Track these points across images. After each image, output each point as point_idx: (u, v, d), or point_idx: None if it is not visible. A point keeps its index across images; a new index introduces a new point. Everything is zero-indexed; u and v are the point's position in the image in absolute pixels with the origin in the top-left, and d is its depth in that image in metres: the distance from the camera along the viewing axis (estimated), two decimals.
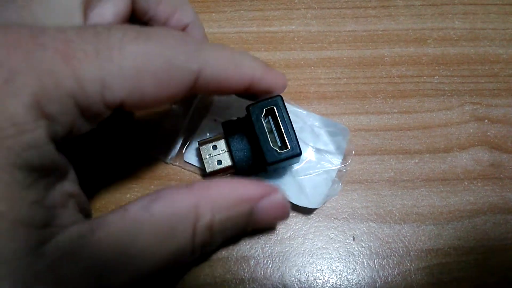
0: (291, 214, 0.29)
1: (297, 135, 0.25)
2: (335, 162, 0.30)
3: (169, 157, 0.30)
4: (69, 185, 0.19)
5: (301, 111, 0.31)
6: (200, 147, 0.28)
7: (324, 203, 0.29)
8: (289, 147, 0.25)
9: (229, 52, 0.22)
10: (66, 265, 0.16)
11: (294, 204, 0.28)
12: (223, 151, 0.28)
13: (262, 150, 0.25)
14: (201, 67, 0.20)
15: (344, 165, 0.30)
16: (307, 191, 0.29)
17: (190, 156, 0.30)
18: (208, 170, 0.28)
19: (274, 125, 0.26)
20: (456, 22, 0.37)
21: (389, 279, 0.28)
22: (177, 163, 0.30)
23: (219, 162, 0.28)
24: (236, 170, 0.27)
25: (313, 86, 0.34)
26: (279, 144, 0.25)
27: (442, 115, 0.33)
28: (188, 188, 0.20)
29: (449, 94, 0.34)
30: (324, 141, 0.31)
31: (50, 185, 0.18)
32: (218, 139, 0.28)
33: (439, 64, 0.35)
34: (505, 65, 0.35)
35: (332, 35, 0.36)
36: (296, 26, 0.36)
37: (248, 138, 0.27)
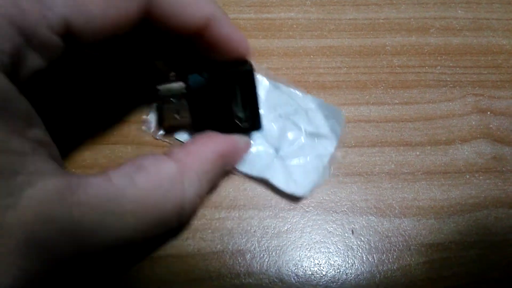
0: (288, 207, 0.28)
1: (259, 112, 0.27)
2: (329, 146, 0.30)
3: (159, 133, 0.30)
4: (38, 133, 0.18)
5: (298, 93, 0.31)
6: (160, 94, 0.27)
7: (311, 192, 0.28)
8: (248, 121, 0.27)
9: None
10: (40, 223, 0.15)
11: (281, 191, 0.28)
12: (184, 106, 0.27)
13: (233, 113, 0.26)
14: None
15: (338, 150, 0.30)
16: (296, 177, 0.28)
17: (182, 134, 0.29)
18: (166, 123, 0.28)
19: (241, 95, 0.26)
20: (459, 11, 0.36)
21: (389, 274, 0.27)
22: (166, 140, 0.29)
23: (178, 115, 0.27)
24: (195, 127, 0.27)
25: (312, 76, 0.33)
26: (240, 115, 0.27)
27: (444, 106, 0.32)
28: (169, 157, 0.21)
29: (451, 85, 0.33)
30: (318, 125, 0.30)
31: (15, 129, 0.16)
32: (180, 92, 0.27)
33: (441, 54, 0.34)
34: (509, 56, 0.35)
35: (332, 23, 0.35)
36: (295, 13, 0.35)
37: (212, 98, 0.26)
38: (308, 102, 0.31)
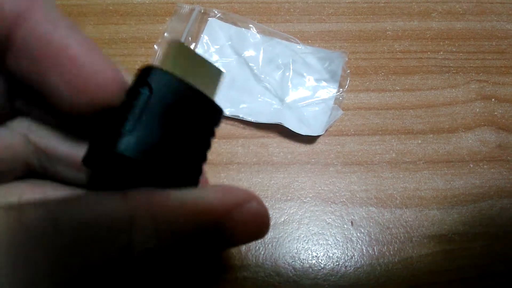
0: (285, 198, 0.27)
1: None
2: (331, 90, 0.30)
3: None
4: None
5: (293, 43, 0.31)
6: None
7: (327, 129, 0.29)
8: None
9: None
10: None
11: (297, 134, 0.28)
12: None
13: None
14: None
15: (341, 92, 0.30)
16: (306, 121, 0.29)
17: None
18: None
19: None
20: None
21: (390, 267, 0.26)
22: None
23: None
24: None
25: None
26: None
27: (447, 93, 0.31)
28: (121, 193, 0.14)
29: (454, 71, 0.32)
30: (318, 70, 0.31)
31: None
32: None
33: (444, 39, 0.33)
34: None
35: (331, 6, 0.34)
36: None
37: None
38: (304, 50, 0.31)
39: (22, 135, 0.17)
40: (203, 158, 0.15)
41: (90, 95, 0.14)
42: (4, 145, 0.17)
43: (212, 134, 0.15)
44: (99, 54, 0.14)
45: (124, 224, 0.13)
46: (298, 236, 0.27)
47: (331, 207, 0.27)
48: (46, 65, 0.14)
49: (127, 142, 0.13)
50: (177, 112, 0.14)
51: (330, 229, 0.27)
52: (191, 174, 0.15)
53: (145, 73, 0.14)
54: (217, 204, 0.14)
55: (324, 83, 0.30)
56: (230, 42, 0.31)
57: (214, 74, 0.16)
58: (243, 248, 0.26)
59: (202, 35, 0.31)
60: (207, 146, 0.15)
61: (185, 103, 0.14)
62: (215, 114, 0.15)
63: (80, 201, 0.13)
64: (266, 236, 0.26)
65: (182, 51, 0.15)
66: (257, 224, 0.15)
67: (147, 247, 0.13)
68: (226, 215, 0.14)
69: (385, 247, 0.26)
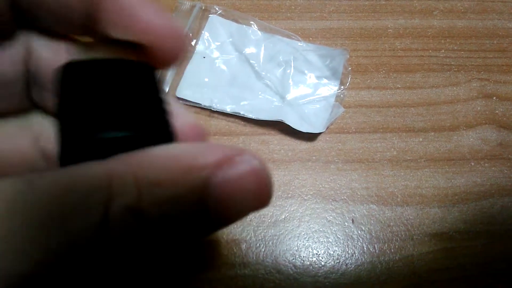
0: (286, 195, 0.27)
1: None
2: (332, 88, 0.30)
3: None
4: None
5: (295, 40, 0.31)
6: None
7: (328, 127, 0.29)
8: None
9: None
10: None
11: (298, 131, 0.28)
12: None
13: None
14: None
15: (342, 89, 0.30)
16: (308, 118, 0.29)
17: (185, 91, 0.29)
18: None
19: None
20: None
21: (390, 265, 0.26)
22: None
23: None
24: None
25: None
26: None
27: (448, 91, 0.31)
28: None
29: (456, 69, 0.32)
30: (319, 68, 0.30)
31: None
32: None
33: (445, 38, 0.33)
34: None
35: (332, 4, 0.34)
36: None
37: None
38: (305, 47, 0.31)
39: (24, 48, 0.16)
40: (163, 112, 0.14)
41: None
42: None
43: (155, 87, 0.14)
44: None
45: (102, 188, 0.12)
46: (299, 234, 0.26)
47: (332, 205, 0.27)
48: None
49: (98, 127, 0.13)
50: (109, 83, 0.14)
51: (331, 227, 0.27)
52: (160, 129, 0.14)
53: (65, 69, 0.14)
54: (203, 158, 0.12)
55: (325, 81, 0.30)
56: (231, 39, 0.31)
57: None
58: (244, 245, 0.26)
59: (203, 32, 0.31)
60: (159, 100, 0.14)
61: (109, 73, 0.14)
62: (145, 69, 0.15)
63: (57, 168, 0.12)
64: (267, 234, 0.26)
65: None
66: (254, 182, 0.12)
67: (131, 213, 0.12)
68: (216, 171, 0.12)
69: (386, 245, 0.26)
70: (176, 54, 0.15)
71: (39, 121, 0.17)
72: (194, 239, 0.14)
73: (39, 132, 0.17)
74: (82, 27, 0.16)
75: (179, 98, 0.29)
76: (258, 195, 0.13)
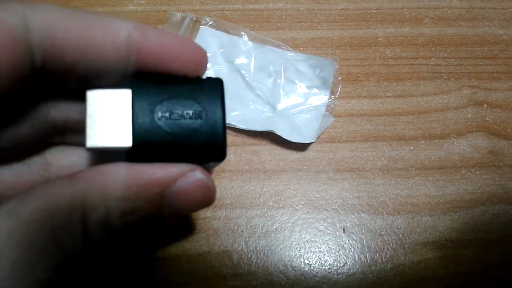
0: (277, 205, 0.27)
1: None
2: (323, 97, 0.30)
3: None
4: None
5: (285, 51, 0.31)
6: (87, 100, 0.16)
7: (318, 136, 0.29)
8: None
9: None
10: None
11: (289, 141, 0.28)
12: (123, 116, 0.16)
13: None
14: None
15: (332, 99, 0.30)
16: (298, 128, 0.29)
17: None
18: (88, 144, 0.16)
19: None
20: (454, 0, 0.35)
21: (382, 274, 0.26)
22: None
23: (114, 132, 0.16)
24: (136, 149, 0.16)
25: None
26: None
27: (439, 99, 0.31)
28: (70, 177, 0.15)
29: (446, 77, 0.32)
30: (310, 77, 0.31)
31: None
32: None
33: (436, 45, 0.33)
34: (505, 46, 0.33)
35: (323, 13, 0.34)
36: (284, 3, 0.34)
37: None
38: (296, 57, 0.31)
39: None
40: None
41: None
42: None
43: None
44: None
45: (79, 208, 0.15)
46: (290, 244, 0.26)
47: (323, 214, 0.27)
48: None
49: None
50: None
51: (322, 236, 0.27)
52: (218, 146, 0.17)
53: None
54: (161, 175, 0.16)
55: (315, 90, 0.30)
56: (222, 50, 0.31)
57: None
58: (235, 256, 0.26)
59: None
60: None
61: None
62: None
63: (36, 190, 0.15)
64: (258, 244, 0.26)
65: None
66: (201, 190, 0.17)
67: (103, 226, 0.15)
68: (171, 184, 0.16)
69: (378, 254, 0.26)
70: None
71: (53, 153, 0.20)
72: (151, 244, 0.18)
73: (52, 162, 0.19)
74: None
75: None
76: (204, 199, 0.17)
